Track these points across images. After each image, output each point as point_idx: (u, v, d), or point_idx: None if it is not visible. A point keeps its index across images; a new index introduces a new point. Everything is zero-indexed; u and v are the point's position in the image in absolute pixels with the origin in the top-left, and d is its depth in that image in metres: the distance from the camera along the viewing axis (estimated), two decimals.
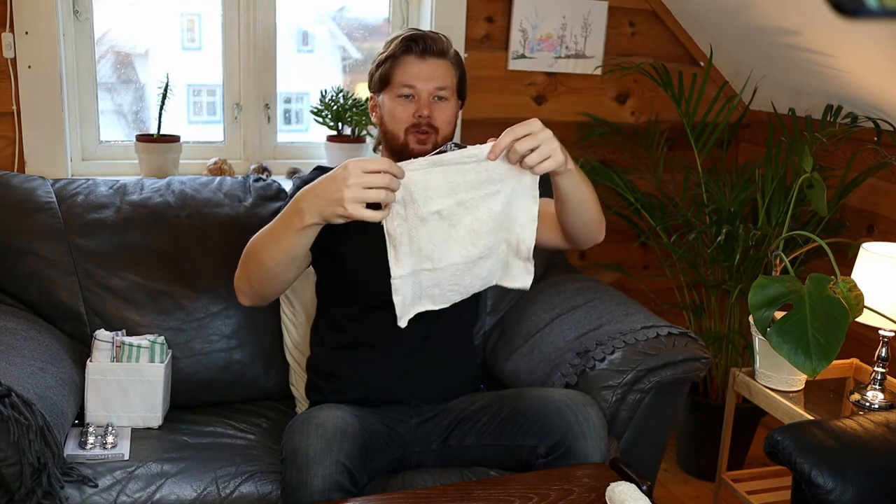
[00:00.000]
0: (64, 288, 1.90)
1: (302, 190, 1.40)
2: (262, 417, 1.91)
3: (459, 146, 1.41)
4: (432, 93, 1.63)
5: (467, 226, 1.37)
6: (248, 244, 1.55)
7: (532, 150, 1.32)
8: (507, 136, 1.32)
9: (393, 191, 1.30)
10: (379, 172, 1.29)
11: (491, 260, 1.43)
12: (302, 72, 2.59)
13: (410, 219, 1.34)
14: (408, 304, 1.41)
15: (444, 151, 1.39)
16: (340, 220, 1.34)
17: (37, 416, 1.45)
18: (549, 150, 1.33)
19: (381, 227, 1.37)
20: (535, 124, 1.34)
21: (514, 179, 1.37)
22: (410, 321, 1.70)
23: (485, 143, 1.36)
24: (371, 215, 1.30)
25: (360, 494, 1.41)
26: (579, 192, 1.50)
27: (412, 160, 1.35)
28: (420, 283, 1.40)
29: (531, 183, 1.39)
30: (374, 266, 1.65)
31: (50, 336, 1.79)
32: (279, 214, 1.48)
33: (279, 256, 1.46)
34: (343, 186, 1.29)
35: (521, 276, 1.47)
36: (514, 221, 1.41)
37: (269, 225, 1.50)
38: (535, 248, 1.46)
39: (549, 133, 1.34)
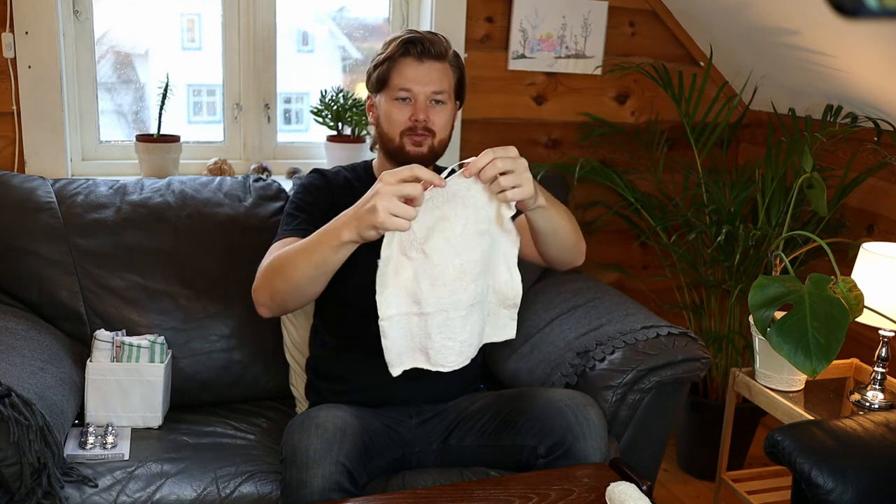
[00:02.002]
0: (64, 288, 1.90)
1: (343, 212, 1.38)
2: (262, 417, 1.91)
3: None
4: (429, 96, 1.63)
5: (456, 267, 1.30)
6: (273, 260, 1.52)
7: (506, 174, 1.29)
8: (487, 154, 1.29)
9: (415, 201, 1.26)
10: (409, 181, 1.26)
11: (483, 312, 1.36)
12: (302, 72, 2.59)
13: (395, 253, 1.29)
14: (400, 352, 1.33)
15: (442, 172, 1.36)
16: (374, 233, 1.30)
17: (37, 416, 1.45)
18: (520, 179, 1.30)
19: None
20: (512, 150, 1.31)
21: (497, 219, 1.33)
22: None
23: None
24: (395, 224, 1.26)
25: (360, 494, 1.41)
26: (552, 226, 1.50)
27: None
28: (410, 331, 1.32)
29: (510, 224, 1.35)
30: (373, 269, 1.65)
31: (50, 336, 1.79)
32: (313, 234, 1.44)
33: (309, 272, 1.43)
34: (376, 197, 1.26)
35: (508, 326, 1.41)
36: (499, 267, 1.36)
37: (299, 243, 1.48)
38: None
39: (524, 162, 1.32)
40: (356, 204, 1.35)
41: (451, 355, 1.35)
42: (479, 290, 1.33)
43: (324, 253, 1.39)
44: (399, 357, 1.34)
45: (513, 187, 1.30)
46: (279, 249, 1.56)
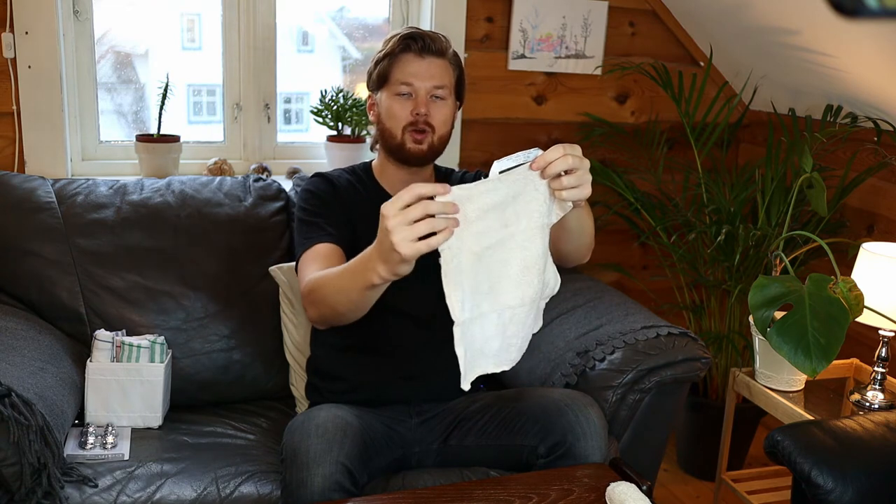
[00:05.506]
0: (64, 288, 1.90)
1: (364, 253, 1.32)
2: (262, 417, 1.91)
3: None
4: (430, 91, 1.63)
5: (520, 263, 1.25)
6: (314, 287, 1.47)
7: (570, 172, 1.23)
8: (557, 149, 1.23)
9: (432, 215, 1.15)
10: (411, 204, 1.15)
11: (538, 307, 1.31)
12: (302, 72, 2.60)
13: (464, 250, 1.20)
14: (470, 358, 1.26)
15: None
16: (407, 268, 1.21)
17: (37, 416, 1.45)
18: (583, 180, 1.25)
19: None
20: (578, 149, 1.26)
21: (549, 215, 1.28)
22: (408, 321, 1.70)
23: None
24: (426, 245, 1.15)
25: (360, 494, 1.41)
26: (581, 224, 1.47)
27: (468, 184, 1.21)
28: (482, 331, 1.25)
29: (556, 219, 1.30)
30: None
31: (50, 336, 1.79)
32: (348, 265, 1.39)
33: (349, 305, 1.41)
34: (388, 235, 1.16)
35: (539, 318, 1.35)
36: (548, 261, 1.31)
37: (338, 271, 1.42)
38: None
39: (588, 163, 1.27)
40: (374, 245, 1.25)
41: (514, 352, 1.31)
42: (540, 286, 1.28)
43: (359, 293, 1.35)
44: (472, 368, 1.27)
45: (575, 186, 1.24)
46: (312, 264, 1.54)
